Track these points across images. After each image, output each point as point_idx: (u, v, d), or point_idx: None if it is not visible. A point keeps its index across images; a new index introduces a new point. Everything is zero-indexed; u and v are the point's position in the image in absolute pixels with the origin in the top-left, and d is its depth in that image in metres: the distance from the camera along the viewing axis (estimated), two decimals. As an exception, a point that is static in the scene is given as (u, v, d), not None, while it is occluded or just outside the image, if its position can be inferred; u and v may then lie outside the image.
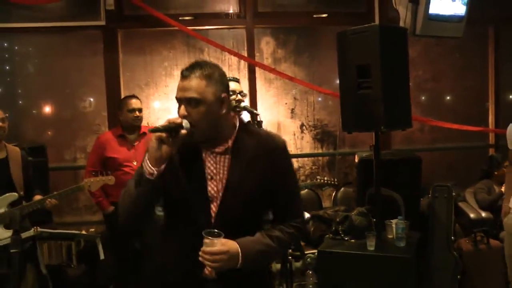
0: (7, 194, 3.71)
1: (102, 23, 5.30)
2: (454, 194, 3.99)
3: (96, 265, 4.64)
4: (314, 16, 5.65)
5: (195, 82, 1.87)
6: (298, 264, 4.47)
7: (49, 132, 5.62)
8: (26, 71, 5.60)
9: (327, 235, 3.68)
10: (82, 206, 5.58)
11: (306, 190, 5.06)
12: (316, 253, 3.67)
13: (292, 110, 5.80)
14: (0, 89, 5.55)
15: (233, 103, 3.30)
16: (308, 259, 4.17)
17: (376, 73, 3.17)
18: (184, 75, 1.90)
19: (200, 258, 1.84)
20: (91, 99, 5.61)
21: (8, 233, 3.64)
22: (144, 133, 4.40)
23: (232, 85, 3.33)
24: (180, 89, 1.90)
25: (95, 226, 5.24)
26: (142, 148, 4.28)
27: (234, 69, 5.64)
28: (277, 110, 5.77)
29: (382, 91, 3.15)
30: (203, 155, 1.98)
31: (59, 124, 5.59)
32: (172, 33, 5.52)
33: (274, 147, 2.01)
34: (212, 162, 1.97)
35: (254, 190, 1.95)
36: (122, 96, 4.97)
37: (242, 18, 5.50)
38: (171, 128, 1.84)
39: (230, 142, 1.96)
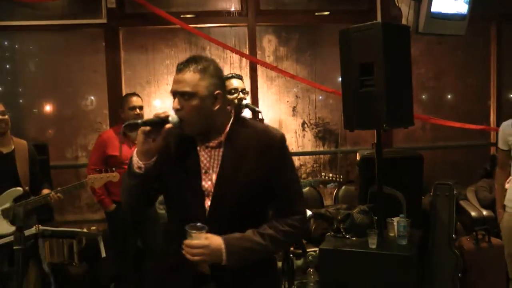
0: (11, 189, 3.71)
1: (104, 21, 5.31)
2: (455, 192, 3.98)
3: (98, 263, 4.65)
4: (316, 14, 5.64)
5: (189, 76, 1.88)
6: (299, 262, 4.47)
7: (51, 130, 5.62)
8: (28, 69, 5.61)
9: (329, 233, 3.68)
10: (84, 204, 5.59)
11: (307, 188, 5.05)
12: (317, 251, 3.67)
13: (294, 108, 5.79)
14: (2, 87, 5.55)
15: (236, 101, 3.29)
16: (310, 257, 4.17)
17: (379, 71, 3.16)
18: (179, 69, 1.91)
19: (183, 251, 1.84)
20: (93, 97, 5.61)
21: (13, 228, 3.65)
22: None
23: (235, 83, 3.33)
24: (175, 82, 1.91)
25: (97, 224, 5.24)
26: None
27: (236, 67, 5.64)
28: (279, 108, 5.76)
29: (384, 89, 3.14)
30: (198, 149, 1.98)
31: (61, 122, 5.59)
32: (174, 31, 5.52)
33: (269, 140, 1.97)
34: (206, 156, 1.97)
35: (249, 184, 1.92)
36: (124, 94, 4.97)
37: (244, 16, 5.50)
38: (154, 122, 1.85)
39: (223, 136, 1.95)
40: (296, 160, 5.82)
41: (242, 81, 3.44)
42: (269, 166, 1.94)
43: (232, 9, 5.54)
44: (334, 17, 5.62)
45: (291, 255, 3.94)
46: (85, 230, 4.58)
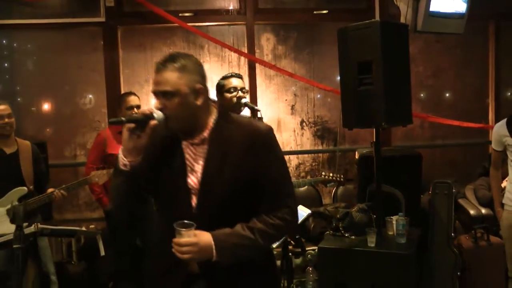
0: (16, 189, 3.74)
1: (102, 19, 5.30)
2: (454, 190, 3.99)
3: (97, 261, 4.65)
4: (315, 12, 5.64)
5: (168, 75, 1.86)
6: (298, 260, 4.48)
7: (49, 129, 5.62)
8: (26, 68, 5.60)
9: (328, 232, 3.69)
10: (83, 202, 5.58)
11: (306, 186, 5.05)
12: (316, 250, 3.67)
13: (292, 107, 5.79)
14: (0, 86, 5.54)
15: (234, 99, 3.29)
16: (309, 256, 4.17)
17: (377, 70, 3.16)
18: (158, 69, 1.89)
19: (172, 250, 1.82)
20: (91, 96, 5.60)
21: (20, 227, 3.67)
22: None
23: (234, 81, 3.33)
24: (154, 82, 1.89)
25: (95, 223, 5.24)
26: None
27: (234, 66, 5.64)
28: (277, 106, 5.76)
29: (383, 87, 3.15)
30: (183, 146, 1.96)
31: (59, 121, 5.58)
32: (172, 29, 5.51)
33: (254, 134, 1.94)
34: (191, 153, 1.95)
35: (235, 179, 1.90)
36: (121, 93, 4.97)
37: (242, 14, 5.49)
38: (138, 119, 1.84)
39: (207, 132, 1.94)
40: (295, 159, 5.83)
41: (242, 80, 3.43)
42: (256, 160, 1.91)
43: (231, 7, 5.53)
44: (332, 15, 5.62)
45: (290, 253, 3.95)
46: (83, 228, 4.59)
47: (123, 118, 1.86)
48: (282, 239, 3.30)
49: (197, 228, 1.82)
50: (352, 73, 3.29)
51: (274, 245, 3.11)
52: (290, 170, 5.70)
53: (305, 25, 5.79)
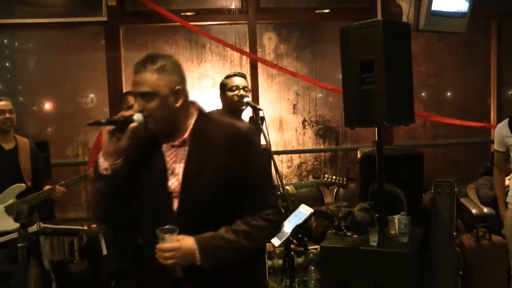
0: (14, 185, 3.75)
1: (104, 19, 5.31)
2: (456, 189, 3.98)
3: (99, 261, 4.65)
4: (317, 11, 5.65)
5: (146, 76, 1.83)
6: (300, 259, 4.48)
7: (51, 128, 5.63)
8: (28, 67, 5.61)
9: (330, 231, 3.68)
10: (84, 202, 5.59)
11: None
12: (318, 249, 3.67)
13: (294, 106, 5.79)
14: (2, 85, 5.55)
15: (236, 98, 3.29)
16: (311, 255, 4.17)
17: (379, 69, 3.16)
18: (136, 69, 1.87)
19: (156, 255, 1.80)
20: (93, 95, 5.60)
21: (17, 224, 3.67)
22: None
23: (237, 80, 3.33)
24: (133, 84, 1.87)
25: (97, 222, 5.24)
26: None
27: (236, 65, 5.64)
28: (279, 105, 5.76)
29: (385, 86, 3.14)
30: (163, 149, 1.93)
31: (61, 120, 5.59)
32: (174, 28, 5.51)
33: (235, 134, 1.90)
34: (171, 156, 1.91)
35: (217, 181, 1.85)
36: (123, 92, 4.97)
37: (244, 13, 5.50)
38: (118, 121, 1.83)
39: (187, 134, 1.90)
40: (297, 158, 5.83)
41: (245, 79, 3.43)
42: (237, 161, 1.87)
43: (233, 6, 5.53)
44: (334, 14, 5.62)
45: (292, 252, 3.95)
46: (85, 227, 4.59)
47: (102, 120, 1.83)
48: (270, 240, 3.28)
49: (180, 232, 1.79)
50: (354, 72, 3.28)
51: (276, 244, 3.11)
52: (292, 170, 5.72)
53: (307, 24, 5.80)
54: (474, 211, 4.91)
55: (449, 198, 3.88)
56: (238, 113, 3.34)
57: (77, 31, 5.50)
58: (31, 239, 3.65)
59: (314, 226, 4.56)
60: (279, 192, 3.41)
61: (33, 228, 3.53)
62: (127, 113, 1.84)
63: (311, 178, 5.55)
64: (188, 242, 1.80)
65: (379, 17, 5.35)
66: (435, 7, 4.08)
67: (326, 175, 4.28)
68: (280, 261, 4.02)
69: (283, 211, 3.20)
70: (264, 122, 3.26)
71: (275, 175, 3.14)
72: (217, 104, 3.44)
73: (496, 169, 4.07)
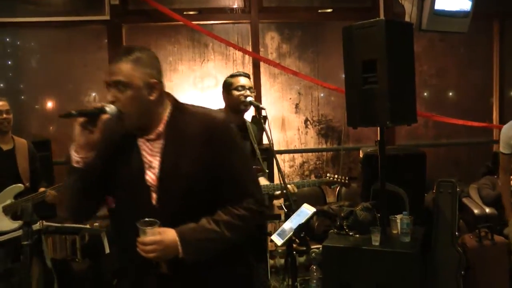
0: (13, 186, 3.75)
1: (107, 17, 5.31)
2: (458, 189, 3.98)
3: (101, 259, 4.65)
4: (319, 11, 5.65)
5: (122, 66, 1.81)
6: (302, 259, 4.48)
7: (53, 127, 5.63)
8: (30, 66, 5.61)
9: (332, 230, 3.69)
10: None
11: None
12: (320, 248, 3.67)
13: (297, 105, 5.79)
14: (4, 83, 5.56)
15: (242, 98, 3.29)
16: (313, 254, 4.18)
17: (382, 68, 3.16)
18: (112, 60, 1.86)
19: (137, 249, 1.77)
20: (95, 94, 5.61)
21: (15, 224, 3.68)
22: None
23: (242, 80, 3.32)
24: (108, 73, 1.85)
25: (100, 221, 5.24)
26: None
27: (239, 64, 5.64)
28: (282, 105, 5.76)
29: (387, 86, 3.14)
30: (139, 143, 1.89)
31: (63, 119, 5.57)
32: (177, 28, 5.52)
33: (210, 125, 1.88)
34: (147, 149, 1.89)
35: (193, 173, 1.83)
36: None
37: (246, 13, 5.50)
38: (89, 112, 1.79)
39: (161, 127, 1.87)
40: (299, 157, 5.83)
41: (250, 80, 3.43)
42: (213, 151, 1.84)
43: (235, 6, 5.54)
44: (337, 14, 5.62)
45: (294, 252, 3.95)
46: (88, 226, 4.59)
47: (73, 111, 1.79)
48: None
49: (161, 225, 1.77)
50: (356, 71, 3.28)
51: (279, 244, 3.10)
52: (294, 169, 5.72)
53: (310, 23, 5.80)
54: (476, 211, 4.91)
55: (451, 198, 3.88)
56: (241, 112, 3.33)
57: (79, 30, 5.50)
58: (34, 238, 3.67)
59: (316, 226, 4.56)
60: (280, 192, 3.42)
61: (36, 227, 3.54)
62: (99, 104, 1.80)
63: (313, 178, 5.57)
64: (170, 234, 1.78)
65: (382, 16, 5.34)
66: (438, 6, 4.07)
67: (328, 174, 4.28)
68: (282, 261, 4.02)
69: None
70: (267, 121, 3.27)
71: (277, 175, 3.14)
72: (219, 103, 3.44)
73: (502, 173, 3.95)
